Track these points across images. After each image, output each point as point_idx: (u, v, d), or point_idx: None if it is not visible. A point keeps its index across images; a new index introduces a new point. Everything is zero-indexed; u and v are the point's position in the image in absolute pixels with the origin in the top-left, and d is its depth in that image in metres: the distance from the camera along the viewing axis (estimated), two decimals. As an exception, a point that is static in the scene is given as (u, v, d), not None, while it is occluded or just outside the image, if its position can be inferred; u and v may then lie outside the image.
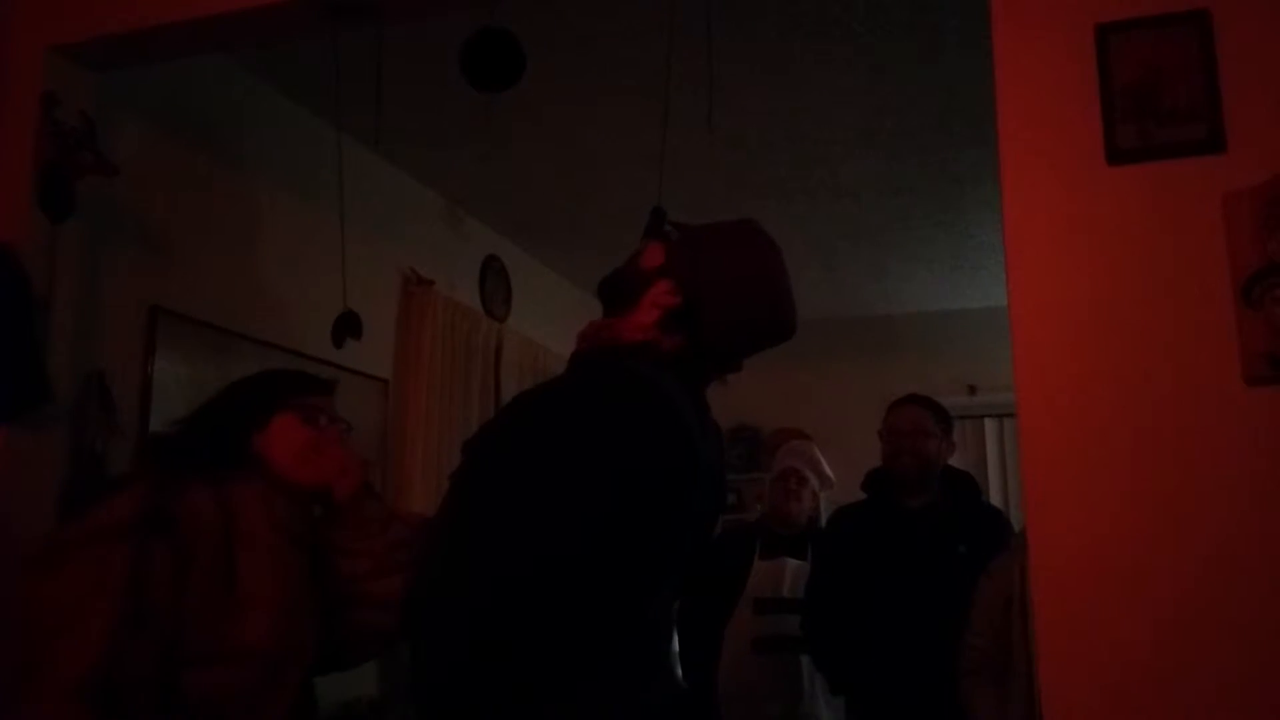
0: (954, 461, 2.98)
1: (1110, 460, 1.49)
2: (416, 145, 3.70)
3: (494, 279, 4.66)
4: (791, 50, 3.06)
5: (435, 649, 1.36)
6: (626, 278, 1.60)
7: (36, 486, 2.25)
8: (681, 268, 1.54)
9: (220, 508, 1.63)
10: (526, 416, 1.46)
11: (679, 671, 1.53)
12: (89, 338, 2.49)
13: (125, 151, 2.57)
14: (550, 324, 5.05)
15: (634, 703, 1.39)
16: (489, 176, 3.97)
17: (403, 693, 3.69)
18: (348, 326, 2.92)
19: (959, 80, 3.15)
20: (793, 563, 3.40)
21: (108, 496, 1.60)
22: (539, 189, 4.20)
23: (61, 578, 1.51)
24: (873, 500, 2.99)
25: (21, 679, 1.45)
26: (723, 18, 2.60)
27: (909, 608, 2.68)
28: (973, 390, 5.85)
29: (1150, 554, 1.45)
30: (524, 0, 2.27)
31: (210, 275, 3.03)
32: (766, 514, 3.67)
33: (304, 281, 3.17)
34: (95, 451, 2.49)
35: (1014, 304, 1.58)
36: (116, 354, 2.66)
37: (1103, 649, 1.45)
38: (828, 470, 3.68)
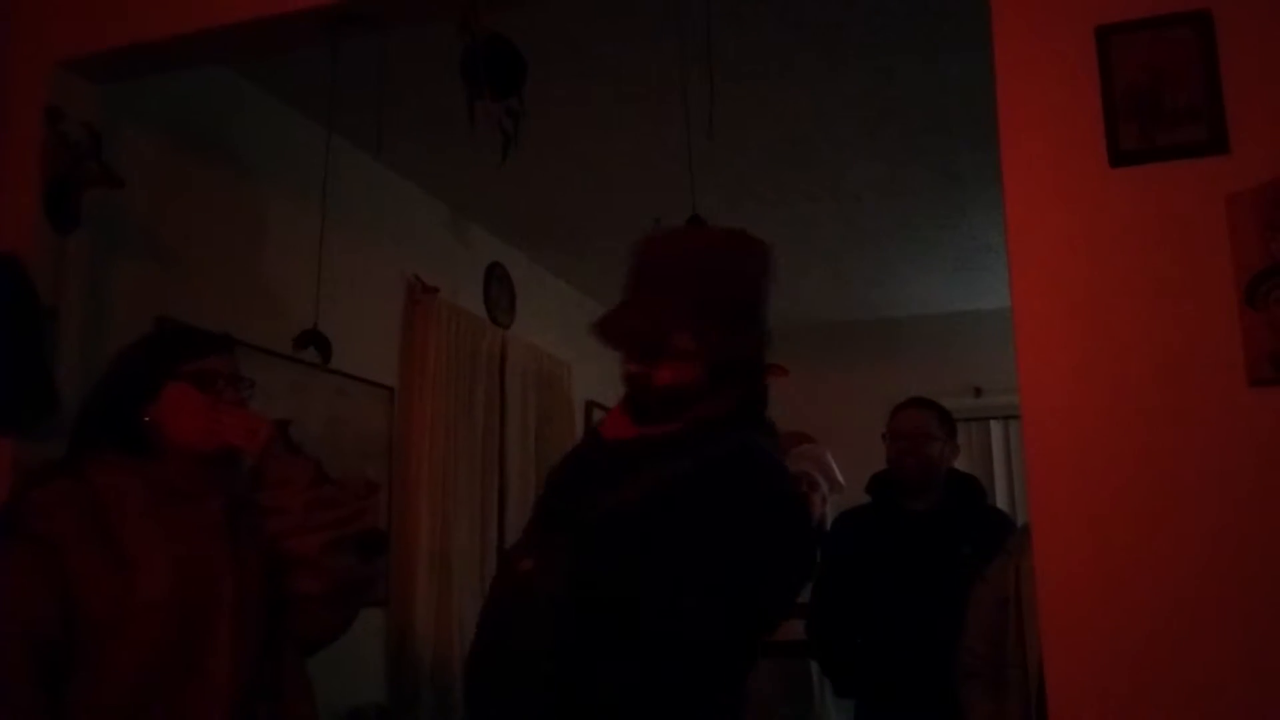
0: (960, 464, 2.98)
1: (1115, 462, 1.49)
2: (419, 153, 3.71)
3: (498, 286, 4.67)
4: (793, 54, 3.07)
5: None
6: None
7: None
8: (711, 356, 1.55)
9: (83, 488, 1.63)
10: (662, 503, 1.47)
11: None
12: (96, 348, 2.49)
13: (131, 163, 2.58)
14: (554, 330, 5.04)
15: None
16: (492, 183, 3.97)
17: (410, 700, 3.69)
18: (314, 341, 2.89)
19: (960, 82, 3.15)
20: (800, 567, 3.39)
21: None
22: (542, 195, 4.20)
23: None
24: (876, 503, 2.99)
25: None
26: (723, 22, 2.60)
27: (913, 611, 2.68)
28: (978, 392, 5.81)
29: (1155, 556, 1.45)
30: (524, 7, 2.28)
31: (216, 285, 3.04)
32: (773, 518, 3.66)
33: (310, 290, 3.17)
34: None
35: (1017, 306, 1.58)
36: (123, 364, 2.67)
37: (1108, 650, 1.45)
38: (839, 475, 3.67)
